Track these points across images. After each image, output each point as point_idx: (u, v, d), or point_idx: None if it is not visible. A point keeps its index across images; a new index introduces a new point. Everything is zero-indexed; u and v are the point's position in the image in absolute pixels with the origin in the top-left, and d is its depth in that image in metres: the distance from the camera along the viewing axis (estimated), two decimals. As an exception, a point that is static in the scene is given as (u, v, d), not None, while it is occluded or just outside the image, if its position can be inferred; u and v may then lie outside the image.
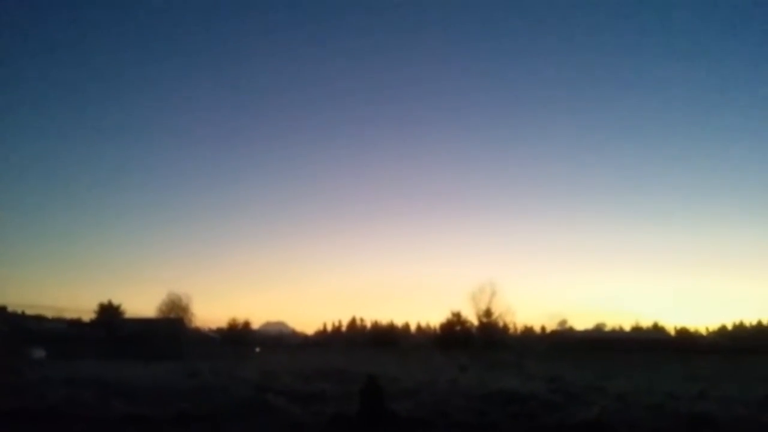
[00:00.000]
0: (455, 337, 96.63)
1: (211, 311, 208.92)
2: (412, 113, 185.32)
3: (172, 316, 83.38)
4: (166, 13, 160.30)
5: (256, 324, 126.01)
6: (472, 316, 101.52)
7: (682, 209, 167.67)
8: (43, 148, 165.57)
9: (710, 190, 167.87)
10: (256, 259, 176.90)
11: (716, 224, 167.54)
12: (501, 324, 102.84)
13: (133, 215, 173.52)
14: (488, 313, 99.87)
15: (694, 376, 30.76)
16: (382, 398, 14.37)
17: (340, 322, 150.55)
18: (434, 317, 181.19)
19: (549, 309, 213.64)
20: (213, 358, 47.94)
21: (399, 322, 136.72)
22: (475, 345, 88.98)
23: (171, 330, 66.82)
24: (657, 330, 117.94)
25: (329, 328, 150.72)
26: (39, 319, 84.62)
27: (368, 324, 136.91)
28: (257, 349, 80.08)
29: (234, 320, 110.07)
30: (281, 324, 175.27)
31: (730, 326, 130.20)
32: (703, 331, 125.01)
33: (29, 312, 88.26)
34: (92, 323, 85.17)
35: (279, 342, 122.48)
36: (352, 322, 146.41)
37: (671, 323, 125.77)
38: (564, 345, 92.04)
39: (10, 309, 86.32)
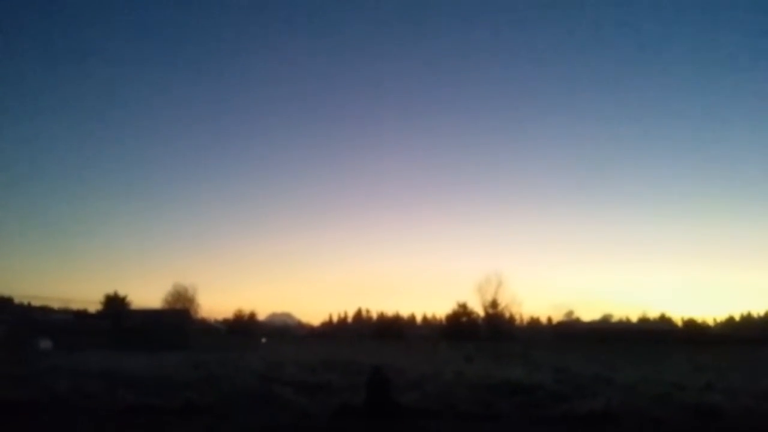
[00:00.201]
0: (461, 328, 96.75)
1: (217, 302, 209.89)
2: (416, 105, 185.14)
3: (178, 307, 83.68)
4: (165, 12, 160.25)
5: (261, 315, 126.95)
6: (478, 307, 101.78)
7: (689, 200, 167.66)
8: (49, 140, 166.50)
9: (717, 180, 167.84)
10: (262, 250, 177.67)
11: (724, 215, 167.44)
12: (507, 315, 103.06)
13: (139, 206, 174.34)
14: (494, 304, 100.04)
15: (701, 367, 30.62)
16: (388, 389, 14.34)
17: (345, 313, 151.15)
18: (440, 308, 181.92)
19: (555, 300, 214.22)
20: (219, 349, 48.03)
21: (405, 313, 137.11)
22: (481, 336, 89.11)
23: (177, 321, 67.02)
24: (664, 321, 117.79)
25: (335, 319, 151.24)
26: (45, 310, 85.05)
27: (374, 315, 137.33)
28: (263, 340, 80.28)
29: (240, 311, 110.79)
30: (287, 315, 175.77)
31: (737, 317, 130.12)
32: (710, 322, 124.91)
33: (35, 303, 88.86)
34: (98, 314, 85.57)
35: (285, 333, 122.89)
36: (358, 313, 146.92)
37: (678, 314, 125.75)
38: (570, 336, 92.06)
39: (16, 300, 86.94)
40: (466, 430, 12.65)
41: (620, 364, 32.05)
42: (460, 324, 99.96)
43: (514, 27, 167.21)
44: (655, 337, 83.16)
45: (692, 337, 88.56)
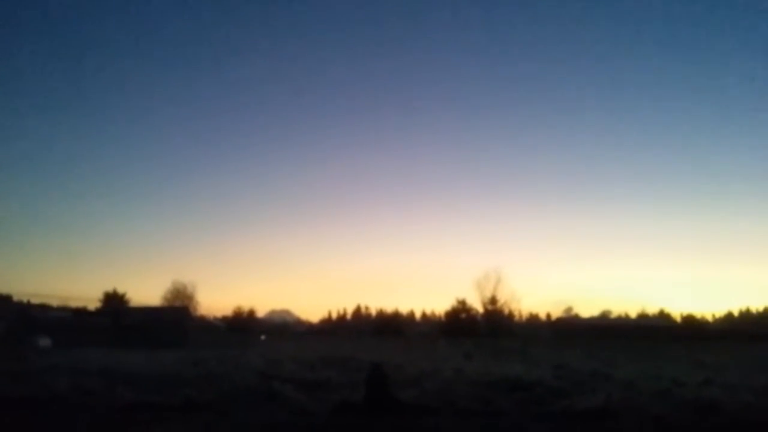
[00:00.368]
0: (460, 324, 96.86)
1: (216, 299, 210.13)
2: (415, 101, 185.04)
3: (177, 304, 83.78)
4: (164, 11, 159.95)
5: (261, 312, 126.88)
6: (477, 304, 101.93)
7: (688, 196, 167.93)
8: (47, 138, 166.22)
9: (716, 177, 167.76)
10: (260, 247, 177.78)
11: (722, 211, 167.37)
12: (506, 311, 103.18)
13: (138, 204, 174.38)
14: (493, 300, 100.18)
15: (700, 363, 30.70)
16: (388, 386, 14.35)
17: (345, 310, 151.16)
18: (439, 305, 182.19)
19: (554, 296, 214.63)
20: (218, 346, 48.09)
21: (404, 310, 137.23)
22: (480, 332, 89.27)
23: (176, 318, 67.09)
24: (663, 317, 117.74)
25: (334, 316, 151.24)
26: (44, 308, 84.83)
27: (373, 312, 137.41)
28: (262, 337, 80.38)
29: (239, 308, 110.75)
30: (286, 312, 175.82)
31: (736, 313, 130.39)
32: (709, 318, 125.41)
33: (34, 301, 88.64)
34: (97, 312, 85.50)
35: (284, 330, 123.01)
36: (357, 310, 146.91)
37: (677, 310, 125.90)
38: (570, 332, 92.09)
39: (15, 298, 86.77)
40: (465, 426, 12.64)
41: (619, 360, 32.13)
42: (459, 320, 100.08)
43: (511, 26, 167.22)
44: (654, 333, 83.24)
45: (691, 333, 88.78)
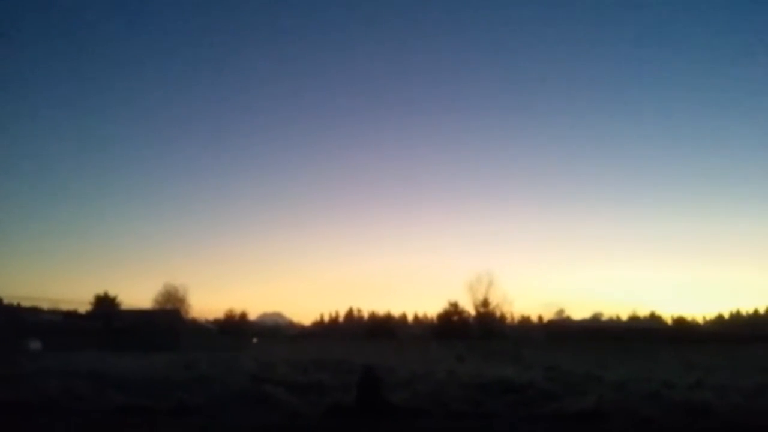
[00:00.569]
0: (452, 327, 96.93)
1: (207, 302, 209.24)
2: (407, 105, 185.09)
3: (168, 307, 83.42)
4: (163, 10, 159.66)
5: (253, 315, 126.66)
6: (469, 306, 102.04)
7: (679, 199, 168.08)
8: (38, 141, 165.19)
9: (706, 179, 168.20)
10: (252, 250, 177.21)
11: (713, 214, 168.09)
12: (498, 314, 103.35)
13: (128, 206, 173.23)
14: (485, 303, 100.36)
15: (690, 364, 30.84)
16: (380, 388, 14.35)
17: (337, 312, 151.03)
18: (431, 307, 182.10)
19: (546, 298, 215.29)
20: (210, 349, 47.94)
21: (396, 312, 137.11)
22: (472, 335, 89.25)
23: (168, 321, 66.81)
24: (654, 319, 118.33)
25: (326, 318, 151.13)
26: (34, 310, 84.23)
27: (365, 315, 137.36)
28: (254, 340, 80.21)
29: (231, 311, 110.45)
30: (278, 315, 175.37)
31: (726, 315, 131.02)
32: (700, 320, 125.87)
33: (25, 304, 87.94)
34: (88, 315, 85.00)
35: (276, 333, 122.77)
36: (349, 312, 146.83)
37: (668, 312, 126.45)
38: (561, 334, 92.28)
39: (5, 301, 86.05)
40: (457, 429, 12.69)
41: (610, 362, 32.23)
42: (452, 323, 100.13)
43: (508, 26, 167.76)
44: (645, 336, 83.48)
45: (682, 335, 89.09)
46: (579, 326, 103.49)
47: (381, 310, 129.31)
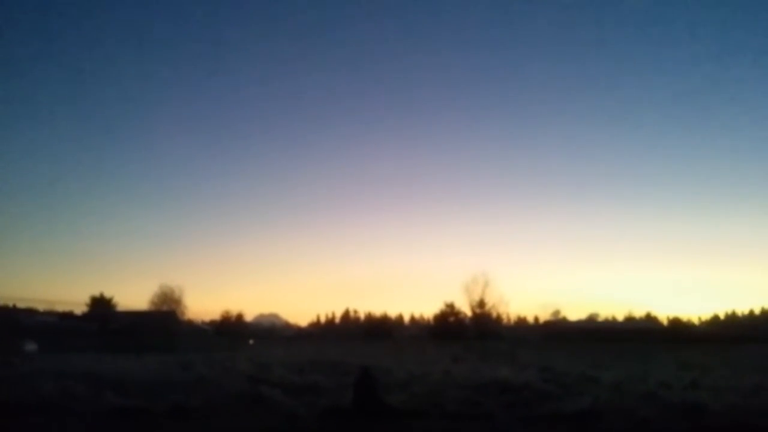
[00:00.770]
0: (449, 328, 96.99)
1: (203, 304, 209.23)
2: (404, 106, 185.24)
3: (164, 308, 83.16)
4: (162, 10, 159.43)
5: (249, 316, 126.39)
6: (465, 307, 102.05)
7: (675, 200, 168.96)
8: (34, 142, 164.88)
9: (702, 180, 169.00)
10: (248, 251, 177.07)
11: (709, 215, 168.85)
12: (494, 315, 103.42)
13: (125, 207, 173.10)
14: (482, 303, 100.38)
15: (686, 365, 30.88)
16: (376, 390, 14.36)
17: (333, 313, 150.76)
18: (428, 308, 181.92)
19: (542, 299, 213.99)
20: (206, 350, 47.86)
21: (393, 313, 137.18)
22: (468, 336, 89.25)
23: (164, 323, 66.73)
24: (650, 320, 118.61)
25: (323, 319, 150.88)
26: (30, 312, 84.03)
27: (362, 316, 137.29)
28: (250, 342, 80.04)
29: (227, 312, 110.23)
30: (274, 316, 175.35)
31: (722, 316, 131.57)
32: (695, 320, 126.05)
33: (20, 305, 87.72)
34: (84, 316, 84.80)
35: (272, 334, 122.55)
36: (346, 313, 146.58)
37: (664, 313, 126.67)
38: (557, 335, 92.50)
39: (1, 302, 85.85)
40: (453, 429, 12.69)
41: (606, 362, 32.27)
42: (448, 324, 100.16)
43: (507, 24, 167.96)
44: (640, 336, 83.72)
45: (677, 335, 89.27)
46: (575, 327, 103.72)
47: (377, 311, 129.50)
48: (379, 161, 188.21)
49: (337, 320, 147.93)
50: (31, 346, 48.95)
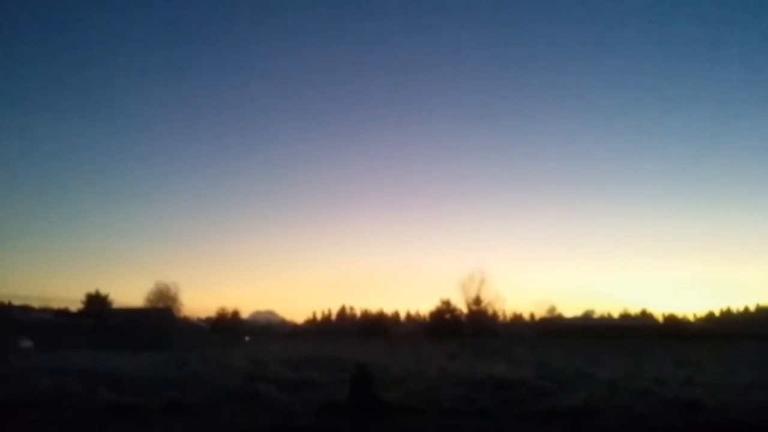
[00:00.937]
0: (445, 325, 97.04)
1: (199, 300, 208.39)
2: (400, 104, 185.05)
3: (160, 305, 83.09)
4: (161, 10, 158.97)
5: (245, 313, 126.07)
6: (461, 304, 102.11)
7: (671, 197, 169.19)
8: (31, 140, 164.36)
9: (698, 178, 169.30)
10: (244, 248, 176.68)
11: (705, 212, 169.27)
12: (490, 312, 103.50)
13: (121, 204, 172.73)
14: (477, 300, 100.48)
15: (681, 362, 30.97)
16: (372, 386, 14.37)
17: (329, 310, 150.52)
18: (424, 305, 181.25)
19: (538, 296, 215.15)
20: (202, 347, 47.78)
21: (389, 310, 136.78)
22: (464, 333, 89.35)
23: (159, 320, 66.61)
24: (645, 317, 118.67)
25: (319, 316, 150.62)
26: (26, 309, 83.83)
27: (358, 312, 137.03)
28: (246, 338, 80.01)
29: (223, 309, 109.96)
30: (270, 313, 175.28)
31: (717, 313, 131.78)
32: (690, 317, 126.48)
33: (16, 302, 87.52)
34: (80, 313, 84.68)
35: (268, 331, 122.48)
36: (342, 310, 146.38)
37: (659, 310, 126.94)
38: (553, 332, 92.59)
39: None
40: (449, 426, 12.70)
41: (602, 359, 32.33)
42: (444, 321, 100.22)
43: (506, 24, 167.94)
44: (636, 333, 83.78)
45: (673, 332, 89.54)
46: (570, 324, 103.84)
47: (374, 308, 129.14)
48: (376, 158, 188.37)
49: (333, 317, 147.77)
50: (26, 344, 48.83)
